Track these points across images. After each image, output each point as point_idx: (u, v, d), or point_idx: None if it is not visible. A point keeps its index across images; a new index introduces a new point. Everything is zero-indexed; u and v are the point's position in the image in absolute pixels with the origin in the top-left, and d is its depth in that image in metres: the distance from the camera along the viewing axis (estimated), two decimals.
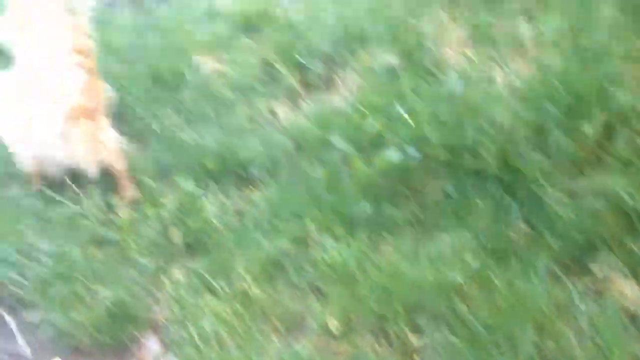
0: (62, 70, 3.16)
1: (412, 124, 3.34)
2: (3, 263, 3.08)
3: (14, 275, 3.03)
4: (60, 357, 2.70)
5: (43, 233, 3.22)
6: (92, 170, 3.29)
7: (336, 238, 2.97)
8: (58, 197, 3.34)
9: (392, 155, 3.24)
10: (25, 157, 3.40)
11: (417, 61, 3.87)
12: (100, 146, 3.26)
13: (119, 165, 3.38)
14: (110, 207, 3.27)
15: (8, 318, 2.94)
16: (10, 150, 3.40)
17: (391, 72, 3.80)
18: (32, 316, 2.93)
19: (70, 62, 3.17)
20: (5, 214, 3.33)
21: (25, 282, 3.01)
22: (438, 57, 3.89)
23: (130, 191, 3.38)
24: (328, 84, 4.07)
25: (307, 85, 4.13)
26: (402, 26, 4.16)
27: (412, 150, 3.26)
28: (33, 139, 3.22)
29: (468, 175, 3.11)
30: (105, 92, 3.47)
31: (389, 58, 3.90)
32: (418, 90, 3.60)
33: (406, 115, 3.36)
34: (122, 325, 2.78)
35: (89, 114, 3.18)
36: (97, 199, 3.28)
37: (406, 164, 3.25)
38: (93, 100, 3.22)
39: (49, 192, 3.36)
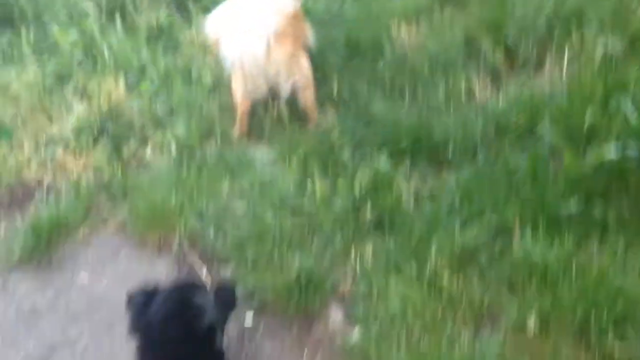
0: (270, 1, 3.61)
1: (634, 118, 3.01)
2: (202, 218, 3.20)
3: (210, 230, 3.14)
4: (251, 317, 2.77)
5: (239, 193, 3.32)
6: (286, 88, 3.60)
7: (538, 235, 2.77)
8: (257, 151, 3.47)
9: (608, 151, 2.95)
10: (237, 76, 3.62)
11: None
12: (297, 68, 3.58)
13: (309, 91, 3.67)
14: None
15: (202, 270, 3.06)
16: (228, 66, 3.67)
17: (611, 60, 3.46)
18: (224, 271, 3.02)
19: None
20: (206, 171, 3.46)
21: (221, 239, 3.11)
22: None
23: (315, 119, 3.66)
24: (537, 66, 3.80)
25: (512, 65, 3.89)
26: (627, 9, 3.76)
27: (631, 148, 2.95)
28: (247, 51, 3.48)
29: None
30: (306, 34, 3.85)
31: (610, 43, 3.54)
32: None
33: (628, 108, 3.04)
34: (309, 292, 2.79)
35: (291, 38, 3.55)
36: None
37: (622, 163, 2.95)
38: (296, 30, 3.65)
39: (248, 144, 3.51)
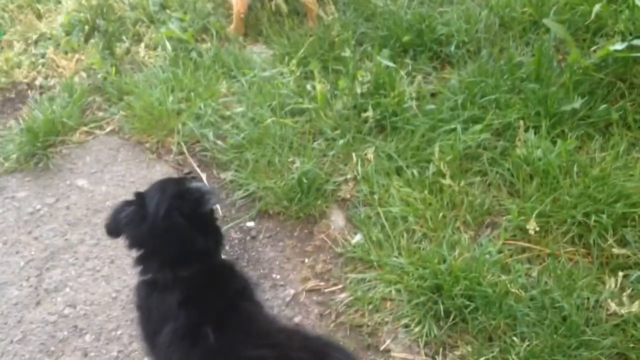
0: None
1: None
2: (200, 121, 3.15)
3: (209, 134, 3.10)
4: (253, 221, 2.78)
5: (237, 94, 3.25)
6: None
7: (541, 134, 2.74)
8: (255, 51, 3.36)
9: (615, 45, 2.86)
10: None
11: None
12: None
13: None
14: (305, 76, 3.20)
15: (201, 174, 3.05)
16: None
17: None
18: (225, 175, 3.01)
19: None
20: (202, 71, 3.37)
21: (220, 142, 3.07)
22: None
23: (315, 14, 3.49)
24: None
25: None
26: None
27: (637, 42, 2.86)
28: None
29: None
30: None
31: None
32: None
33: (637, 0, 2.92)
34: (311, 197, 2.79)
35: None
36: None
37: (628, 57, 2.88)
38: None
39: (246, 43, 3.40)
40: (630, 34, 2.93)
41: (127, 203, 2.03)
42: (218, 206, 2.86)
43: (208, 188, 2.10)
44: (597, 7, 2.98)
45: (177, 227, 1.96)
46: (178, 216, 1.97)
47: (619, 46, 2.85)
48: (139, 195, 2.04)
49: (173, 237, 1.97)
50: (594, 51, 2.95)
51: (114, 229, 2.02)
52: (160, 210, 1.98)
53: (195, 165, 3.09)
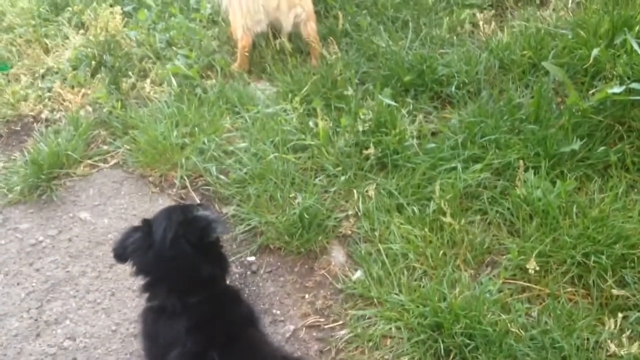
0: None
1: None
2: (203, 155, 3.18)
3: (212, 168, 3.13)
4: (254, 256, 2.80)
5: (241, 130, 3.30)
6: (287, 22, 3.56)
7: (540, 175, 2.77)
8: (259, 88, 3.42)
9: (613, 88, 2.91)
10: (236, 12, 3.57)
11: None
12: (297, 1, 3.54)
13: (311, 24, 3.61)
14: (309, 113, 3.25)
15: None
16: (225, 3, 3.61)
17: None
18: (227, 210, 3.03)
19: None
20: (206, 107, 3.42)
21: (222, 177, 3.10)
22: None
23: (318, 53, 3.58)
24: (542, 0, 3.71)
25: None
26: None
27: (635, 85, 2.91)
28: None
29: None
30: None
31: None
32: None
33: (635, 45, 2.98)
34: (312, 232, 2.80)
35: None
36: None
37: (626, 100, 2.93)
38: None
39: (250, 80, 3.47)
40: (628, 78, 2.99)
41: (135, 229, 2.06)
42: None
43: (215, 216, 2.13)
44: (595, 51, 3.04)
45: (184, 255, 1.99)
46: (185, 244, 2.00)
47: (617, 89, 2.90)
48: (146, 222, 2.08)
49: (180, 264, 2.00)
50: (593, 94, 3.01)
51: (121, 255, 2.06)
52: (167, 238, 2.01)
53: (197, 199, 3.11)
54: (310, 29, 3.61)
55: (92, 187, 3.21)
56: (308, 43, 3.63)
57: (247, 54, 3.61)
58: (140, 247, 2.06)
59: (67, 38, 3.93)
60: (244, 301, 2.14)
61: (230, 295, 2.12)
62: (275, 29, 3.65)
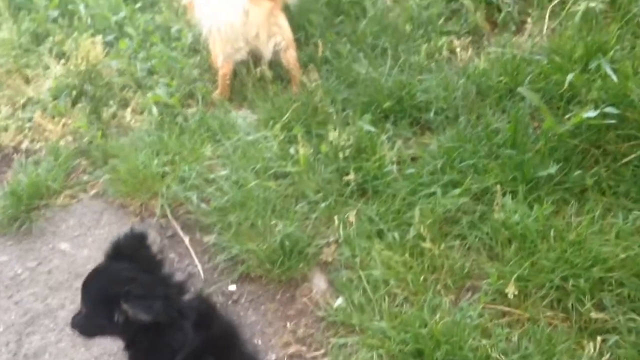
0: None
1: (615, 80, 3.02)
2: (184, 184, 3.19)
3: (193, 197, 3.13)
4: (234, 285, 2.79)
5: (222, 157, 3.31)
6: (267, 51, 3.58)
7: (518, 199, 2.80)
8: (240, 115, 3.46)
9: (588, 112, 2.96)
10: (216, 41, 3.57)
11: (624, 8, 3.47)
12: (276, 29, 3.56)
13: (291, 51, 3.64)
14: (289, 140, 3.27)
15: (184, 237, 3.07)
16: (205, 32, 3.58)
17: (592, 20, 3.44)
18: (208, 238, 3.03)
19: None
20: (187, 135, 3.43)
21: (203, 205, 3.11)
22: None
23: (298, 80, 3.60)
24: (518, 25, 3.78)
25: (493, 24, 3.88)
26: None
27: (610, 110, 2.96)
28: (223, 16, 3.42)
29: None
30: None
31: (591, 1, 3.51)
32: (623, 43, 3.24)
33: (608, 70, 3.04)
34: (293, 260, 2.81)
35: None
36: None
37: (601, 124, 2.97)
38: None
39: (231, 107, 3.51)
40: (603, 102, 3.03)
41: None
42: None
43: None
44: (570, 77, 3.09)
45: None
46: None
47: (592, 114, 2.94)
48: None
49: None
50: (568, 118, 3.05)
51: None
52: None
53: (178, 228, 3.11)
54: (290, 57, 3.65)
55: (72, 217, 3.20)
56: (288, 70, 3.66)
57: (227, 81, 3.64)
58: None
59: (48, 68, 3.94)
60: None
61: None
62: (255, 57, 3.67)
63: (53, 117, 3.66)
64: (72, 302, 2.78)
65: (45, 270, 2.94)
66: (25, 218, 3.16)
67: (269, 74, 3.66)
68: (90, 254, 3.01)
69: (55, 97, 3.77)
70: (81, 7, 4.25)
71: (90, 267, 2.84)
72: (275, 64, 3.72)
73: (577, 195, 2.86)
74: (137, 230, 2.07)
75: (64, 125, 3.61)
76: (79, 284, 2.80)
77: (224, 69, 3.61)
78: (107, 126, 3.61)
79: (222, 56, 3.58)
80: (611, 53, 3.21)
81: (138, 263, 1.96)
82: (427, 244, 2.69)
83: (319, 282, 2.77)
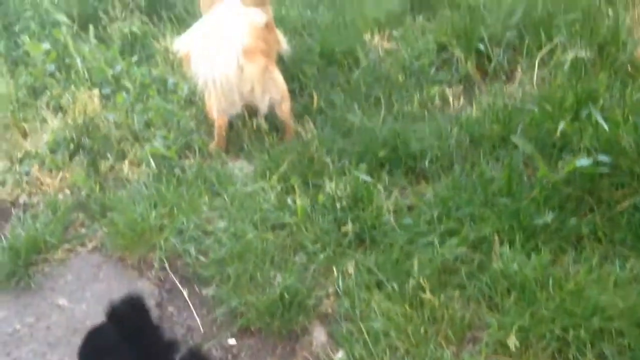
0: (240, 17, 3.65)
1: (606, 128, 3.08)
2: (182, 236, 3.20)
3: (191, 249, 3.14)
4: (234, 338, 2.78)
5: (219, 209, 3.32)
6: (262, 105, 3.66)
7: (515, 247, 2.82)
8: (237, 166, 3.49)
9: (580, 160, 3.01)
10: (211, 94, 3.65)
11: (612, 57, 3.57)
12: (271, 84, 3.63)
13: (285, 104, 3.72)
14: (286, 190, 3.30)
15: (183, 290, 3.07)
16: (201, 85, 3.65)
17: (581, 68, 3.53)
18: (206, 291, 3.03)
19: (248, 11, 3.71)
20: (185, 186, 3.45)
21: (202, 257, 3.11)
22: (636, 53, 3.56)
23: (292, 131, 3.73)
24: (508, 74, 3.87)
25: (484, 73, 3.97)
26: (595, 18, 3.83)
27: (602, 157, 3.02)
28: (218, 72, 3.48)
29: None
30: (279, 44, 3.96)
31: (579, 51, 3.60)
32: (612, 91, 3.32)
33: (599, 118, 3.10)
34: (293, 312, 2.81)
35: (262, 54, 3.61)
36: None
37: (594, 172, 3.02)
38: (267, 43, 3.72)
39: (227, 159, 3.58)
40: (595, 150, 3.09)
41: None
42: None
43: None
44: (561, 125, 3.16)
45: None
46: None
47: (585, 162, 2.99)
48: None
49: None
50: (562, 166, 3.10)
51: None
52: None
53: (177, 281, 3.11)
54: (284, 109, 3.72)
55: (70, 272, 3.19)
56: (282, 121, 3.73)
57: (223, 133, 3.68)
58: None
59: (46, 121, 3.97)
60: None
61: None
62: (250, 109, 3.73)
63: (51, 171, 3.68)
64: (70, 358, 2.75)
65: (44, 326, 2.91)
66: (24, 273, 3.14)
67: (264, 125, 3.72)
68: (88, 308, 2.99)
69: (52, 151, 3.79)
70: (78, 61, 4.30)
71: (89, 322, 2.87)
72: (270, 115, 3.78)
73: (574, 243, 2.88)
74: (133, 293, 2.07)
75: (61, 178, 3.63)
76: (77, 339, 2.78)
77: (220, 121, 3.67)
78: (105, 179, 3.62)
79: (217, 109, 3.64)
80: (601, 101, 3.28)
81: (133, 327, 1.96)
82: (427, 295, 2.70)
83: (319, 335, 2.76)
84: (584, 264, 2.73)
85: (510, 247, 2.85)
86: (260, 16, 3.71)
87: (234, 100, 3.58)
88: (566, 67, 3.56)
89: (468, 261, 2.86)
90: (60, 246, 3.30)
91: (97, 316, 2.77)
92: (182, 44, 3.74)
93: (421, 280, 2.74)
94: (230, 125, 3.77)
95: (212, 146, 3.73)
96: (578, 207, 2.99)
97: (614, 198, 2.99)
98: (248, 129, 3.74)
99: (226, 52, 3.45)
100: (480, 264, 2.85)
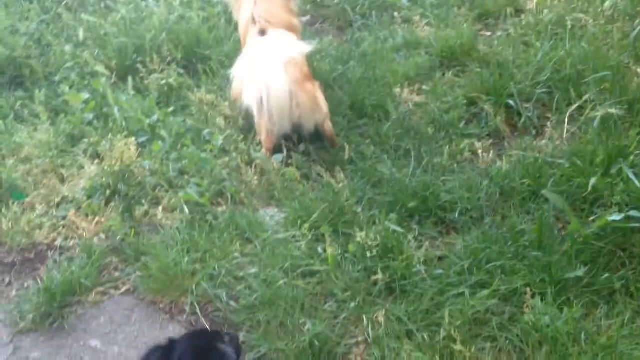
0: (286, 46, 4.03)
1: (637, 183, 3.10)
2: (213, 282, 3.24)
3: (222, 294, 3.18)
4: None
5: (250, 256, 3.37)
6: (309, 127, 3.95)
7: (546, 301, 2.82)
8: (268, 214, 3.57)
9: (612, 215, 3.02)
10: (262, 120, 3.95)
11: None
12: (317, 108, 3.94)
13: (328, 122, 4.01)
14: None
15: None
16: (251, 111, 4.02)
17: (612, 124, 3.56)
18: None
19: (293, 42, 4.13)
20: (217, 233, 3.51)
21: (232, 303, 3.15)
22: None
23: (335, 143, 4.03)
24: (538, 129, 3.91)
25: (513, 128, 4.01)
26: (624, 73, 3.88)
27: (634, 213, 3.03)
28: (270, 98, 3.84)
29: None
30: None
31: (610, 107, 3.64)
32: None
33: (630, 174, 3.13)
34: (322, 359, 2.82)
35: (309, 80, 4.00)
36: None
37: (626, 227, 3.03)
38: (308, 68, 4.11)
39: (259, 206, 3.66)
40: (627, 205, 3.11)
41: (157, 348, 2.16)
42: None
43: (232, 354, 2.18)
44: (592, 180, 3.18)
45: None
46: None
47: (617, 217, 3.02)
48: (169, 344, 2.17)
49: None
50: (593, 221, 3.11)
51: None
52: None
53: (207, 326, 3.13)
54: (327, 127, 4.00)
55: (103, 314, 3.24)
56: (326, 137, 4.04)
57: (271, 153, 3.93)
58: None
59: (83, 168, 4.08)
60: None
61: None
62: (296, 131, 4.01)
63: (87, 216, 3.77)
64: None
65: None
66: (58, 315, 3.20)
67: (296, 173, 3.79)
68: (120, 350, 3.03)
69: (89, 196, 3.88)
70: (115, 110, 4.43)
71: None
72: (301, 162, 3.86)
73: (606, 297, 2.88)
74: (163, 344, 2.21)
75: (97, 223, 3.71)
76: None
77: (267, 143, 3.93)
78: (139, 224, 3.69)
79: (266, 132, 3.93)
80: (632, 158, 3.30)
81: None
82: (457, 346, 2.70)
83: None
84: (617, 318, 2.73)
85: (541, 300, 2.86)
86: (305, 45, 4.11)
87: (285, 124, 3.90)
88: (596, 123, 3.58)
89: (499, 313, 2.87)
90: (94, 289, 3.36)
91: (128, 358, 2.85)
92: (235, 78, 4.16)
93: (452, 332, 2.74)
94: (262, 172, 3.84)
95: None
96: (610, 262, 3.00)
97: None
98: (280, 177, 3.80)
99: (279, 81, 3.79)
100: (512, 316, 2.85)
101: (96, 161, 4.11)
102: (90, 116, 4.51)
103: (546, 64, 4.16)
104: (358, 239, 3.25)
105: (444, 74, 4.58)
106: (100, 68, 4.82)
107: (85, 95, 4.59)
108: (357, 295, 3.05)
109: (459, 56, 4.68)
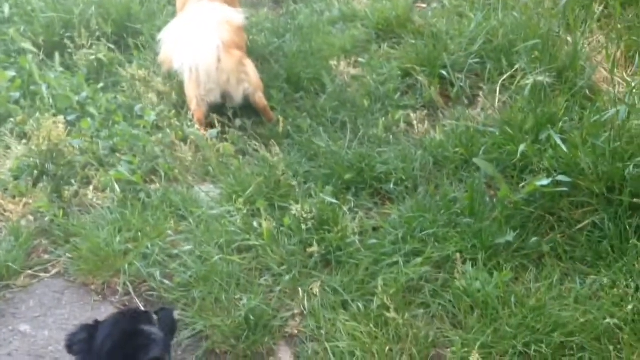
0: (219, 13, 4.13)
1: (565, 149, 3.16)
2: (146, 260, 3.18)
3: (156, 273, 3.12)
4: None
5: (185, 233, 3.31)
6: (237, 95, 3.96)
7: (477, 266, 2.87)
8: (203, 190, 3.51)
9: (541, 181, 3.08)
10: (190, 84, 3.95)
11: (571, 82, 3.67)
12: (245, 75, 3.95)
13: (259, 94, 4.00)
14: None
15: None
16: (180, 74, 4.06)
17: (541, 92, 3.61)
18: None
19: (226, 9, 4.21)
20: (150, 211, 3.44)
21: (166, 281, 3.10)
22: (594, 78, 3.67)
23: (271, 117, 4.01)
24: (471, 99, 3.95)
25: (447, 98, 4.04)
26: (554, 42, 3.94)
27: (562, 178, 3.09)
28: (200, 60, 3.88)
29: (625, 211, 2.92)
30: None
31: (539, 76, 3.69)
32: (571, 114, 3.41)
33: (558, 140, 3.18)
34: (258, 334, 2.81)
35: (238, 48, 4.03)
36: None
37: (554, 192, 3.09)
38: (241, 39, 4.19)
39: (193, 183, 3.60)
40: (555, 171, 3.16)
41: (83, 328, 2.11)
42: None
43: (158, 337, 2.13)
44: (522, 147, 3.23)
45: None
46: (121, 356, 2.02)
47: (545, 182, 3.07)
48: (94, 325, 2.12)
49: None
50: (523, 187, 3.16)
51: (69, 348, 2.16)
52: (105, 347, 2.04)
53: (141, 305, 3.08)
54: (258, 99, 3.98)
55: (32, 298, 3.14)
56: (259, 110, 4.01)
57: (203, 124, 3.90)
58: (82, 350, 2.14)
59: (9, 148, 3.93)
60: None
61: None
62: (225, 100, 3.98)
63: (14, 197, 3.63)
64: None
65: (5, 352, 2.86)
66: None
67: (231, 148, 3.74)
68: (51, 334, 2.95)
69: (16, 177, 3.74)
70: (43, 88, 4.27)
71: (51, 348, 2.84)
72: (238, 139, 3.81)
73: (535, 261, 2.95)
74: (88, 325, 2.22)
75: (25, 204, 3.58)
76: None
77: (198, 114, 3.90)
78: (69, 205, 3.58)
79: (196, 100, 3.89)
80: (560, 124, 3.37)
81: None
82: (391, 314, 2.72)
83: (285, 357, 2.76)
84: (545, 281, 2.79)
85: (473, 266, 2.90)
86: (238, 15, 4.20)
87: (212, 89, 3.87)
88: (526, 91, 3.63)
89: (432, 280, 2.91)
90: (23, 272, 3.25)
91: (59, 341, 2.77)
92: (164, 41, 4.18)
93: (386, 300, 2.76)
94: (196, 148, 3.78)
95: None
96: (539, 226, 3.06)
97: (573, 217, 3.07)
98: (214, 153, 3.74)
99: (207, 44, 3.83)
100: (444, 282, 2.89)
101: (23, 141, 3.96)
102: (17, 95, 4.33)
103: (479, 34, 4.20)
104: (294, 211, 3.22)
105: (380, 47, 4.57)
106: (27, 45, 4.64)
107: (11, 74, 4.42)
108: (293, 268, 3.04)
109: (395, 28, 4.68)
